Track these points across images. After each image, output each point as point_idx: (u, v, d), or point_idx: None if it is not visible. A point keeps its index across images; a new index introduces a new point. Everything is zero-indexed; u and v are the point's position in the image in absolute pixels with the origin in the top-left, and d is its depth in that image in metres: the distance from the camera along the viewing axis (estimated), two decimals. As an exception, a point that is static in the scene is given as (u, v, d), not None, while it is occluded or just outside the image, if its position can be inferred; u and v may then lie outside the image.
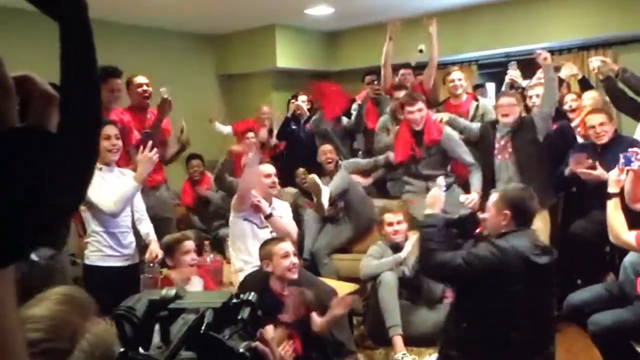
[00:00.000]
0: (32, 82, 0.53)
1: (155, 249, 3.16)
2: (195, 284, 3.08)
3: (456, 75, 4.59)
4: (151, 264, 3.05)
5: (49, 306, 0.81)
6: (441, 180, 3.04)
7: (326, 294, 3.13)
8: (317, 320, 2.79)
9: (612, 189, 2.73)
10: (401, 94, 4.67)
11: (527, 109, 4.36)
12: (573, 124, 4.15)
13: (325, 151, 4.68)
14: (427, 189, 4.05)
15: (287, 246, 2.92)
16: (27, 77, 0.52)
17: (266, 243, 3.01)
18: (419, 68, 5.21)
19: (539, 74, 4.18)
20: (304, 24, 6.24)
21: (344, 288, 3.67)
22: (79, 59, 0.54)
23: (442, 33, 4.85)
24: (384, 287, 3.49)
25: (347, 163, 4.75)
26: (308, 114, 5.54)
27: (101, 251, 3.09)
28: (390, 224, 3.73)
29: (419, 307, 3.64)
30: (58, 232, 2.73)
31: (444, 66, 5.61)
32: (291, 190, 4.89)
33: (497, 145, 3.97)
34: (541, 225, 3.49)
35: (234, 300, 1.29)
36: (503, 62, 5.21)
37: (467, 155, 4.03)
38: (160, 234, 3.34)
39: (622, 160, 2.70)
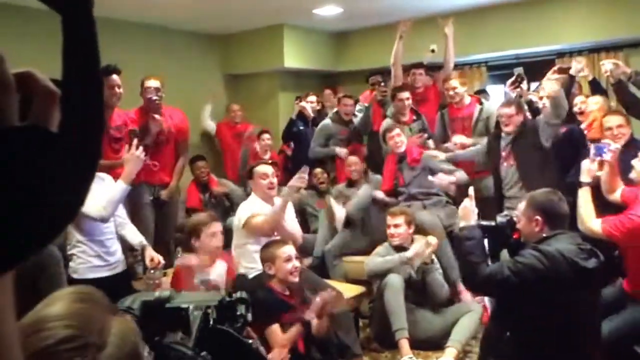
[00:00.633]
0: (33, 79, 0.51)
1: (154, 255, 3.12)
2: (218, 268, 3.03)
3: (454, 83, 4.59)
4: (152, 270, 3.02)
5: (68, 304, 0.82)
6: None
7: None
8: (314, 323, 2.78)
9: (584, 178, 2.85)
10: (402, 94, 4.66)
11: (532, 110, 4.33)
12: (582, 126, 4.11)
13: (351, 163, 4.66)
14: (424, 207, 4.24)
15: (290, 250, 2.92)
16: (29, 73, 0.51)
17: (268, 245, 2.99)
18: (431, 69, 5.19)
19: (549, 75, 4.14)
20: (312, 23, 6.22)
21: (351, 290, 3.66)
22: (81, 56, 0.52)
23: (451, 34, 4.82)
24: (390, 290, 3.46)
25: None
26: (312, 115, 5.53)
27: (89, 262, 3.04)
28: (388, 227, 3.75)
29: (425, 310, 3.62)
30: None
31: (453, 67, 5.57)
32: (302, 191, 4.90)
33: (503, 154, 4.04)
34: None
35: (228, 299, 1.39)
36: (513, 64, 5.17)
37: (447, 165, 4.30)
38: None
39: (593, 151, 2.86)
